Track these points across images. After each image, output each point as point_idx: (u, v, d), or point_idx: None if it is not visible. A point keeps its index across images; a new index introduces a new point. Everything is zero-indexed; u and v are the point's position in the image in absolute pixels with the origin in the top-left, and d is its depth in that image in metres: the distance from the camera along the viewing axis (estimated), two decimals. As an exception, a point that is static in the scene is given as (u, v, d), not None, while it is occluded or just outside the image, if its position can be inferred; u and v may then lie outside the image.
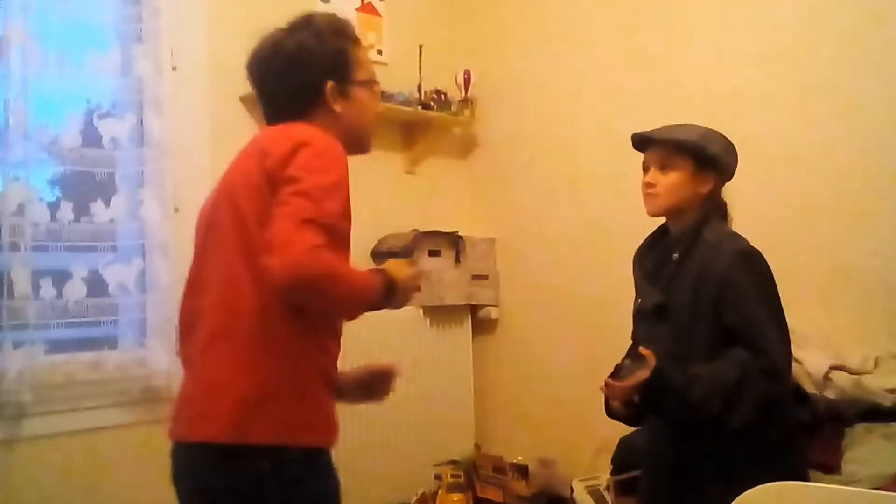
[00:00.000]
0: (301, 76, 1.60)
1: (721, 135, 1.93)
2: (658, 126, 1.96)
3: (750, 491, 1.11)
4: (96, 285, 2.55)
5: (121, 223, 2.62)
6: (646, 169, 1.95)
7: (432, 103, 3.48)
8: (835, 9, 2.61)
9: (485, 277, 3.55)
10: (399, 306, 1.58)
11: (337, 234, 1.42)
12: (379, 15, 3.43)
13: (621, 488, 2.63)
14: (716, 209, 1.92)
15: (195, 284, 1.58)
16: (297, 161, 1.45)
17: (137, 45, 2.68)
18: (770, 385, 1.73)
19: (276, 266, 1.37)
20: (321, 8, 3.12)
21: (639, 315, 1.99)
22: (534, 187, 3.49)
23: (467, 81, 3.57)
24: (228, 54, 2.89)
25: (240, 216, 1.49)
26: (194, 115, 2.80)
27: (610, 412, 1.94)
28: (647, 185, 1.93)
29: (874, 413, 2.32)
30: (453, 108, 3.56)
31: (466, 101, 3.59)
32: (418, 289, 1.65)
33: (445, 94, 3.54)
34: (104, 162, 2.60)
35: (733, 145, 1.94)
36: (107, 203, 2.59)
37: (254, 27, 1.66)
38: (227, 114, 2.90)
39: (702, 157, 1.88)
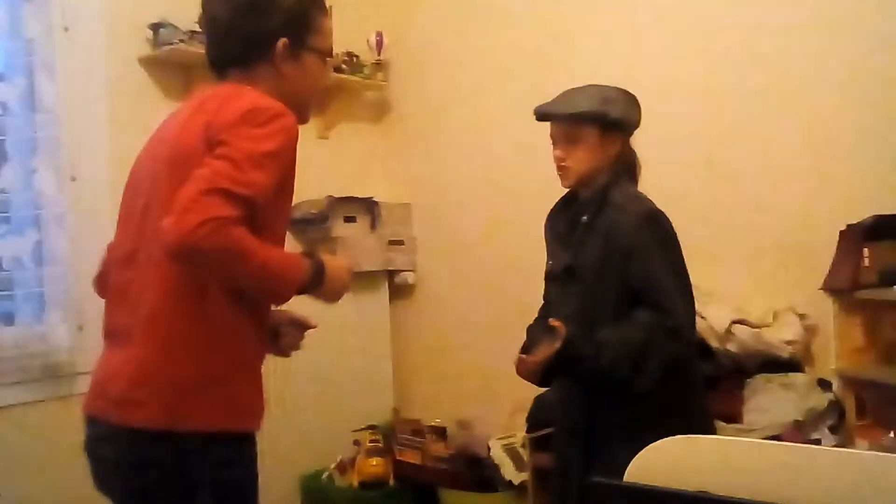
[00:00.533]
0: (256, 23, 1.50)
1: (621, 91, 1.94)
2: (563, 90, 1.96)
3: (651, 446, 1.14)
4: (-12, 259, 2.44)
5: (13, 193, 2.49)
6: (554, 141, 1.96)
7: (344, 66, 3.40)
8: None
9: (401, 243, 3.53)
10: (329, 299, 1.50)
11: (256, 207, 1.32)
12: (286, -26, 3.31)
13: (536, 445, 2.68)
14: (625, 167, 1.94)
15: (131, 256, 1.46)
16: (236, 126, 1.36)
17: (25, 4, 2.52)
18: (674, 345, 1.79)
19: (166, 230, 1.28)
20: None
21: (550, 277, 2.02)
22: (448, 151, 3.47)
23: (380, 44, 3.50)
24: (125, 13, 2.77)
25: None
26: (89, 79, 2.66)
27: (522, 375, 1.97)
28: (558, 159, 1.94)
29: (773, 364, 2.43)
30: (366, 72, 3.49)
31: (379, 65, 3.53)
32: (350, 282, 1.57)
33: (357, 57, 3.46)
34: (-7, 129, 2.47)
35: (634, 98, 1.96)
36: (-4, 172, 2.46)
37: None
38: (125, 77, 2.77)
39: (605, 123, 1.90)
